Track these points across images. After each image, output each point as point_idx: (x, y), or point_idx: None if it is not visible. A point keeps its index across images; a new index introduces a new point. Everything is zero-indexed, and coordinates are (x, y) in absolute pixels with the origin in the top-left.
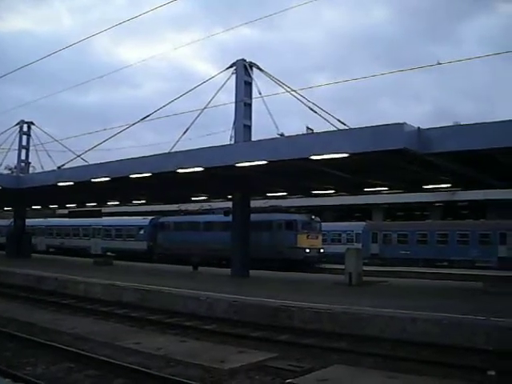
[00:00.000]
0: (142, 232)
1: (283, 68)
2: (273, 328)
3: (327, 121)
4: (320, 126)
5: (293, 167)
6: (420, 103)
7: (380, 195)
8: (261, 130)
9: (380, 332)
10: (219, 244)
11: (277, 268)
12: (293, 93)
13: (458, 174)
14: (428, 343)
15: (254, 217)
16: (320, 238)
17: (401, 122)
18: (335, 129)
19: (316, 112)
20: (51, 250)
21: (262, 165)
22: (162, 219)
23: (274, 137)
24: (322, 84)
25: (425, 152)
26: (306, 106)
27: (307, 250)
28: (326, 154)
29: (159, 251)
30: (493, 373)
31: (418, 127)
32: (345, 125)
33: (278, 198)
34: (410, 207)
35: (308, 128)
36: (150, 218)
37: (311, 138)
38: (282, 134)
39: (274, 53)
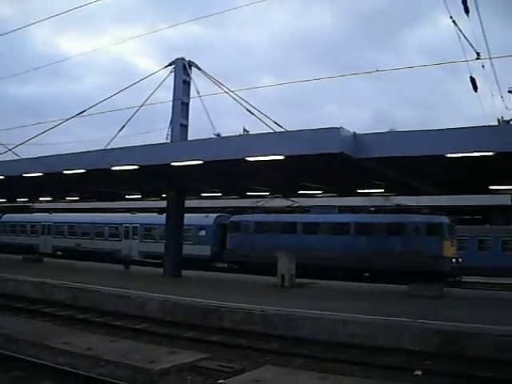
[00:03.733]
0: (203, 233)
1: (228, 67)
2: (205, 328)
3: (264, 123)
4: (259, 128)
5: (228, 168)
6: (361, 108)
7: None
8: (199, 130)
9: (311, 333)
10: (331, 251)
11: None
12: (231, 94)
13: (391, 180)
14: (357, 344)
15: (376, 218)
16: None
17: (338, 126)
18: (272, 131)
19: (253, 114)
20: (59, 252)
21: (198, 164)
22: (236, 218)
23: (210, 137)
24: (264, 85)
25: (360, 157)
26: (244, 107)
27: (453, 260)
28: (261, 155)
29: (231, 258)
30: (419, 373)
31: (354, 132)
32: (281, 127)
33: (213, 198)
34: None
35: (245, 129)
36: (215, 215)
37: (247, 139)
38: (218, 135)
39: (219, 51)
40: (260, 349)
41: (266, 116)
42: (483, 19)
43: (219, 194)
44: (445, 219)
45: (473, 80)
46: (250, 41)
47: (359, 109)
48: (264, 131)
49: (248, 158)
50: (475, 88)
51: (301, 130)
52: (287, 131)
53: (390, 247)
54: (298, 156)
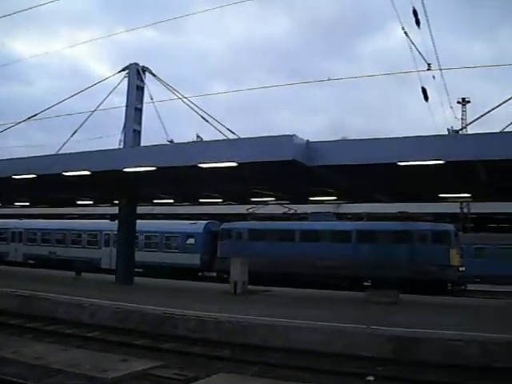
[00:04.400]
0: (191, 241)
1: (183, 73)
2: (157, 336)
3: (218, 130)
4: (213, 135)
5: (181, 174)
6: (316, 116)
7: None
8: (152, 136)
9: (264, 340)
10: (332, 259)
11: (418, 291)
12: (185, 100)
13: (343, 187)
14: (310, 351)
15: (380, 226)
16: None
17: (291, 133)
18: (225, 137)
19: (207, 120)
20: (30, 261)
21: (150, 171)
22: (228, 225)
23: (163, 143)
24: (217, 92)
25: (312, 164)
26: (198, 113)
27: (460, 269)
28: (214, 162)
29: (222, 267)
30: (371, 378)
31: (307, 140)
32: (235, 134)
33: (165, 204)
34: None
35: (198, 136)
36: (204, 222)
37: (200, 145)
38: (171, 141)
39: (174, 57)
40: (213, 356)
41: (219, 123)
42: (434, 31)
43: (171, 201)
44: (451, 227)
45: (424, 90)
46: (206, 47)
47: (314, 117)
48: (218, 138)
49: (201, 165)
50: (426, 98)
51: (254, 138)
52: (240, 138)
53: (395, 255)
54: (251, 163)
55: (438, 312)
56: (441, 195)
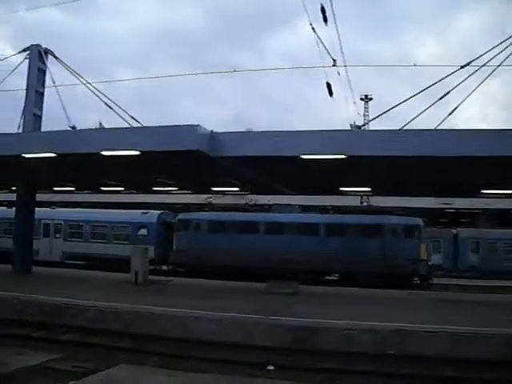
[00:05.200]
0: (143, 232)
1: (88, 58)
2: (56, 327)
3: (122, 117)
4: (117, 122)
5: (83, 162)
6: (222, 107)
7: None
8: (53, 121)
9: (164, 331)
10: (298, 252)
11: (390, 285)
12: (89, 86)
13: (246, 179)
14: (211, 342)
15: (349, 219)
16: None
17: (196, 123)
18: (129, 125)
19: (111, 107)
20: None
21: (51, 157)
22: (186, 216)
23: (65, 129)
24: (122, 79)
25: (216, 155)
26: (101, 100)
27: (429, 263)
28: (117, 150)
29: (179, 260)
30: (272, 368)
31: (211, 130)
32: (138, 122)
33: (66, 192)
34: None
35: (101, 123)
36: (157, 212)
37: (103, 133)
38: (73, 127)
39: (79, 41)
40: (114, 347)
41: (123, 110)
42: (340, 29)
43: (73, 189)
44: (420, 221)
45: (329, 85)
46: (113, 32)
47: (220, 108)
48: (121, 126)
49: (103, 153)
50: (331, 93)
51: (158, 126)
52: (144, 127)
53: (365, 249)
54: (155, 152)
55: (337, 302)
56: (342, 189)
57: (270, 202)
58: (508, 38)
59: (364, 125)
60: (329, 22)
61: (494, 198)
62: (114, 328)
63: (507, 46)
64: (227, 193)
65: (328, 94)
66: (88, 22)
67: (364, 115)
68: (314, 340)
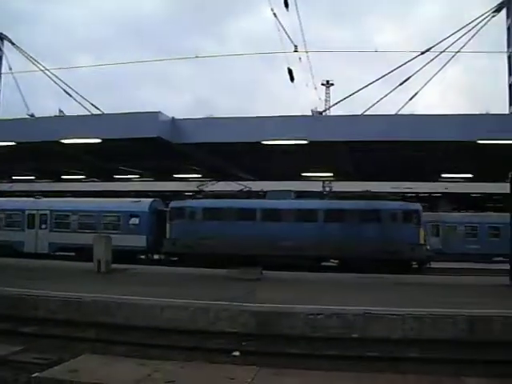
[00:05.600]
0: (135, 221)
1: (46, 44)
2: (16, 319)
3: (82, 105)
4: (76, 110)
5: (43, 150)
6: (183, 93)
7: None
8: (11, 109)
9: (129, 319)
10: (297, 239)
11: (390, 271)
12: (47, 72)
13: (208, 165)
14: (176, 329)
15: (348, 205)
16: None
17: (157, 110)
18: (89, 113)
19: (70, 95)
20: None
21: (9, 145)
22: (179, 203)
23: (24, 117)
24: (82, 65)
25: (178, 142)
26: (61, 87)
27: (428, 248)
28: (77, 138)
29: (172, 249)
30: (237, 354)
31: (173, 117)
32: (99, 110)
33: (27, 181)
34: None
35: (60, 111)
36: (149, 200)
37: (62, 120)
38: (32, 115)
39: (38, 26)
40: (77, 338)
41: (83, 98)
42: (301, 15)
43: (33, 178)
44: (419, 206)
45: (290, 71)
46: (73, 17)
47: (181, 94)
48: (81, 113)
49: (64, 141)
50: (292, 79)
51: (119, 114)
52: (105, 114)
53: (365, 235)
54: (116, 140)
55: (301, 287)
56: (304, 174)
57: (264, 189)
58: (466, 25)
59: (325, 110)
60: (290, 8)
61: (454, 182)
62: (77, 318)
63: (466, 33)
64: (190, 180)
65: (289, 79)
66: (47, 8)
67: (325, 101)
68: (278, 325)
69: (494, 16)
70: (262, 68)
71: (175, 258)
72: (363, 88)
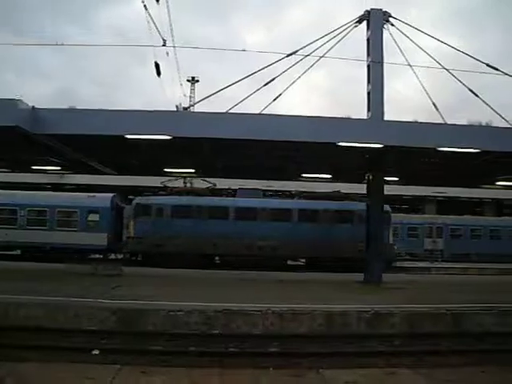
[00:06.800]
0: (95, 217)
1: None
2: None
3: None
4: None
5: None
6: (45, 81)
7: None
8: None
9: None
10: (270, 238)
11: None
12: None
13: (68, 158)
14: (33, 327)
15: (320, 205)
16: None
17: (16, 97)
18: None
19: None
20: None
21: None
22: (146, 199)
23: None
24: None
25: (38, 132)
26: None
27: (395, 247)
28: None
29: (137, 248)
30: (97, 352)
31: (33, 106)
32: None
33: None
34: None
35: None
36: (109, 195)
37: None
38: None
39: None
40: None
41: None
42: (172, 10)
43: None
44: (389, 207)
45: (157, 65)
46: None
47: (44, 83)
48: None
49: None
50: (159, 73)
51: None
52: None
53: (336, 234)
54: None
55: (161, 284)
56: (166, 170)
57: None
58: (330, 32)
59: (190, 106)
60: (161, 1)
61: (314, 182)
62: None
63: (330, 40)
64: (49, 172)
65: (156, 73)
66: None
67: (190, 97)
68: (139, 322)
69: (356, 26)
70: (131, 61)
71: (138, 258)
72: (229, 86)
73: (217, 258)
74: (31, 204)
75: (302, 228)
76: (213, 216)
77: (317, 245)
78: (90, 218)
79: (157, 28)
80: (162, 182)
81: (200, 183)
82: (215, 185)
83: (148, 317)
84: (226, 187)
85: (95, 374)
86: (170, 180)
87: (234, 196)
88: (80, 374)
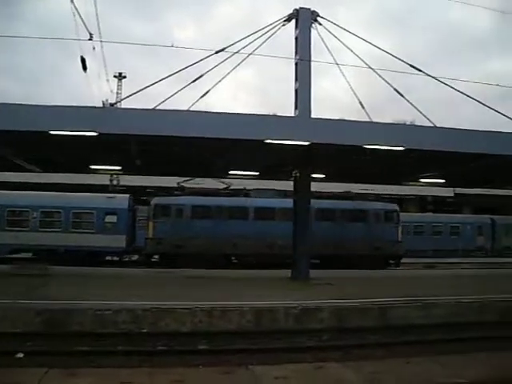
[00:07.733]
0: (112, 219)
1: None
2: None
3: None
4: None
5: None
6: None
7: None
8: None
9: None
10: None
11: (372, 267)
12: None
13: None
14: None
15: (336, 205)
16: None
17: None
18: None
19: None
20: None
21: None
22: (164, 200)
23: None
24: None
25: None
26: None
27: (403, 244)
28: None
29: (157, 249)
30: (21, 355)
31: None
32: None
33: None
34: None
35: None
36: (125, 196)
37: None
38: None
39: None
40: None
41: None
42: (99, 3)
43: None
44: (396, 206)
45: (83, 60)
46: None
47: None
48: None
49: None
50: (85, 68)
51: None
52: None
53: (353, 233)
54: None
55: (89, 283)
56: (92, 167)
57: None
58: (259, 30)
59: (116, 103)
60: None
61: (239, 179)
62: None
63: (259, 37)
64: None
65: (82, 68)
66: None
67: (117, 93)
68: (65, 322)
69: (284, 25)
70: (56, 54)
71: (155, 259)
72: (156, 82)
73: (233, 258)
74: (45, 205)
75: (320, 227)
76: (233, 216)
77: (333, 243)
78: (107, 220)
79: (83, 21)
80: (178, 183)
81: (198, 183)
82: (230, 185)
83: (75, 316)
84: (241, 187)
85: (21, 378)
86: (185, 180)
87: (247, 196)
88: (3, 380)
